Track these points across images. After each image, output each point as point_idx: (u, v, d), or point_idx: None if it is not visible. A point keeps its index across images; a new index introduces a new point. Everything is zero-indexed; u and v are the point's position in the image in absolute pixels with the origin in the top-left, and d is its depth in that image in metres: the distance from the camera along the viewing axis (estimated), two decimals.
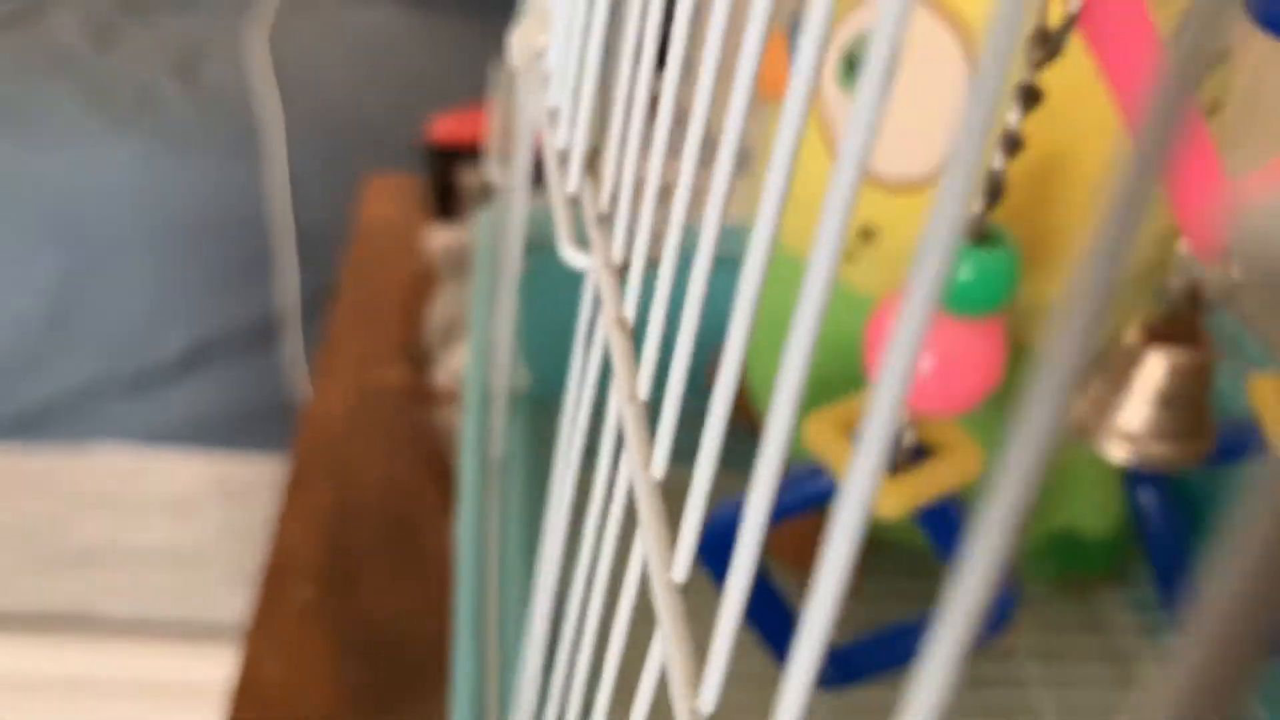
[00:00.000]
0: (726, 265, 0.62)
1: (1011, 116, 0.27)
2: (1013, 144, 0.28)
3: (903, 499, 0.32)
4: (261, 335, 1.29)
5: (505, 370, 0.48)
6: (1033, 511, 0.12)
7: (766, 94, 0.44)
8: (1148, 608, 0.50)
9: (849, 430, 0.33)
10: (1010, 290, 0.31)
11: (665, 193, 0.23)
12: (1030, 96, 0.26)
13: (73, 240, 1.26)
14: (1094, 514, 0.47)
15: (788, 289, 0.49)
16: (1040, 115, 0.37)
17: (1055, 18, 0.25)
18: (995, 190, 0.29)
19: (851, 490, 0.14)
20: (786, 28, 0.44)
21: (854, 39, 0.40)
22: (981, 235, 0.30)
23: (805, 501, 0.34)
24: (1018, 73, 0.27)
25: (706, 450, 0.19)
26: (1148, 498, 0.43)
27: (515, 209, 0.45)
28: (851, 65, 0.40)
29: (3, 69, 1.33)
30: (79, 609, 1.27)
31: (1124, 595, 0.53)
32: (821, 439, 0.33)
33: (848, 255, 0.42)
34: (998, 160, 0.29)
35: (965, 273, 0.30)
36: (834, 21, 0.42)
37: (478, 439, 0.47)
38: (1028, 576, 0.49)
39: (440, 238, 0.77)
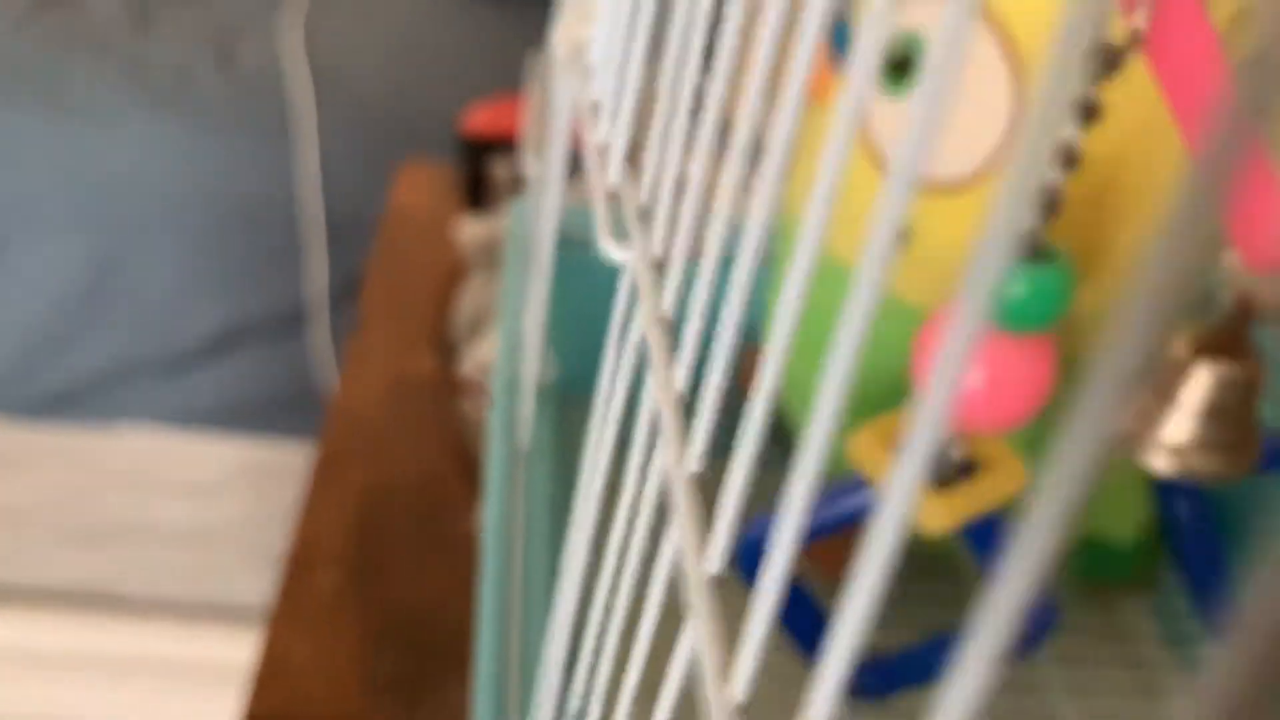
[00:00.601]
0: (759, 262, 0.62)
1: (1069, 131, 0.27)
2: (1070, 159, 0.28)
3: (949, 515, 0.32)
4: (290, 321, 1.30)
5: (535, 362, 0.48)
6: (1076, 527, 0.12)
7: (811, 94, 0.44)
8: (1173, 617, 0.50)
9: (895, 445, 0.33)
10: (1063, 307, 0.31)
11: (706, 190, 0.23)
12: (1090, 112, 0.26)
13: (107, 221, 1.27)
14: (1120, 521, 0.47)
15: (821, 292, 0.49)
16: (1095, 128, 0.37)
17: (1116, 32, 0.25)
18: (1052, 205, 0.29)
19: (890, 504, 0.14)
20: (832, 29, 0.44)
21: (895, 39, 0.40)
22: (1036, 251, 0.30)
23: (848, 517, 0.34)
24: (1075, 86, 0.27)
25: (744, 451, 0.19)
26: (1182, 507, 0.43)
27: (549, 201, 0.46)
28: (893, 67, 0.40)
29: (42, 48, 1.34)
30: (104, 586, 1.28)
31: (1149, 603, 0.53)
32: (868, 454, 0.33)
33: None
34: (1054, 175, 0.28)
35: (1018, 290, 0.30)
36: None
37: (505, 429, 0.47)
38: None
39: (471, 229, 0.77)
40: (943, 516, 0.32)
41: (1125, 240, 0.40)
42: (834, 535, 0.34)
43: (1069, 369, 0.40)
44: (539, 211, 0.49)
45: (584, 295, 0.47)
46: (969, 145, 0.38)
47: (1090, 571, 0.49)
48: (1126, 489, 0.46)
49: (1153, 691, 0.49)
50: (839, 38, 0.43)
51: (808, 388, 0.49)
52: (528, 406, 0.48)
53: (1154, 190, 0.38)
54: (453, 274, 0.78)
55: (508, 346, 0.50)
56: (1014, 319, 0.31)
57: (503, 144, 0.81)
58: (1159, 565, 0.50)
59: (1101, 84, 0.26)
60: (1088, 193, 0.39)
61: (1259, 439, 0.34)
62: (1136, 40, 0.24)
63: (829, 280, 0.44)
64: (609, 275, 0.28)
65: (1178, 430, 0.33)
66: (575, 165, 0.44)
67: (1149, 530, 0.48)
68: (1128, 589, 0.50)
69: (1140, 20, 0.23)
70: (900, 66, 0.40)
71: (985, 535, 0.34)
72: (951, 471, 0.33)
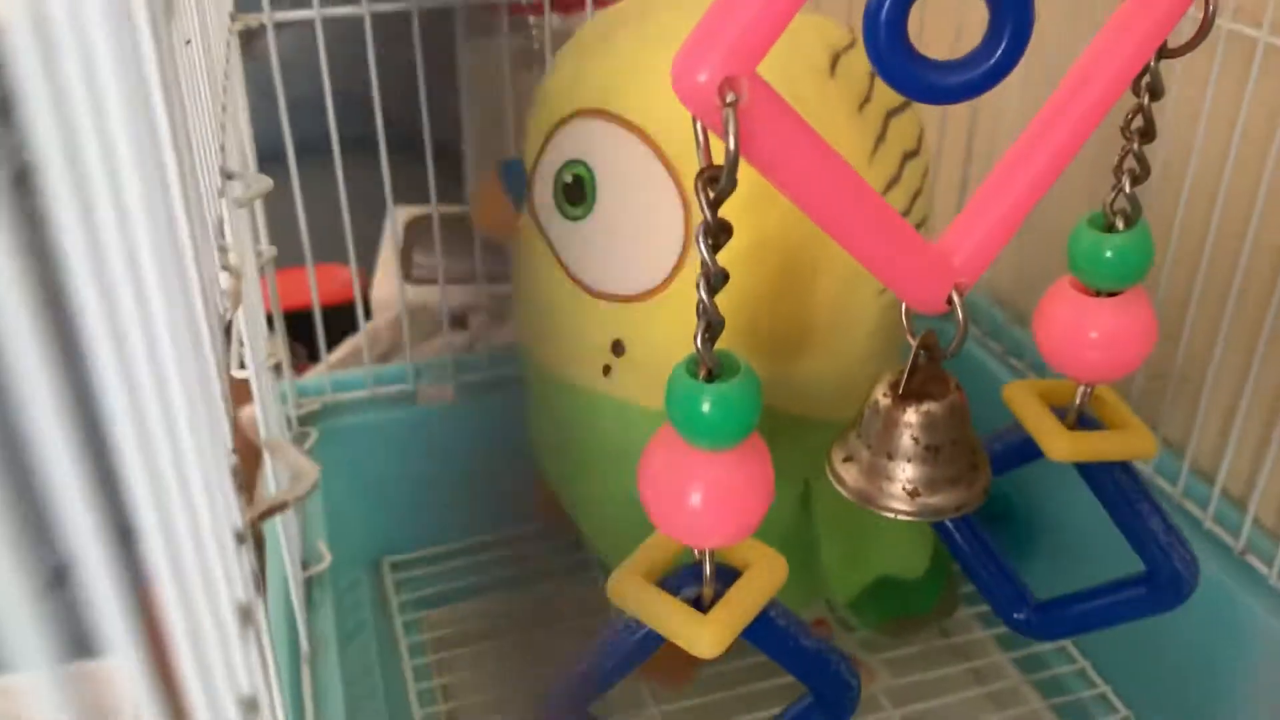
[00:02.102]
0: (512, 386, 0.63)
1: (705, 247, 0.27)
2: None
3: (721, 636, 0.32)
4: None
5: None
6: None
7: (489, 231, 0.46)
8: (995, 622, 0.52)
9: (656, 577, 0.34)
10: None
11: None
12: (719, 232, 0.27)
13: None
14: (910, 558, 0.49)
15: (553, 402, 0.50)
16: (786, 219, 0.39)
17: (718, 158, 0.26)
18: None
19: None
20: (499, 167, 0.46)
21: (562, 165, 0.42)
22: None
23: (631, 658, 0.35)
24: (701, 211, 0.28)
25: None
26: (951, 525, 0.45)
27: None
28: (564, 192, 0.42)
29: None
30: None
31: (974, 615, 0.55)
32: (631, 592, 0.33)
33: (605, 369, 0.44)
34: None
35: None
36: (538, 153, 0.44)
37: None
38: (858, 625, 0.50)
39: None
40: (715, 639, 0.33)
41: (820, 310, 0.42)
42: (663, 652, 0.34)
43: (794, 430, 0.42)
44: None
45: None
46: (660, 258, 0.41)
47: (894, 611, 0.50)
48: (909, 527, 0.48)
49: (999, 697, 0.51)
50: (508, 174, 0.45)
51: (578, 496, 0.50)
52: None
53: (832, 259, 0.41)
54: None
55: None
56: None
57: None
58: (957, 591, 0.52)
59: (721, 203, 0.26)
60: (777, 277, 0.41)
61: (985, 461, 0.36)
62: (734, 160, 0.25)
63: (566, 397, 0.46)
64: None
65: (905, 475, 0.35)
66: None
67: (939, 562, 0.50)
68: (931, 620, 0.52)
69: (732, 141, 0.25)
70: (574, 194, 0.42)
71: (762, 632, 0.35)
72: (710, 588, 0.33)
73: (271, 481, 0.34)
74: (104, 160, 0.13)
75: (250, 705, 0.17)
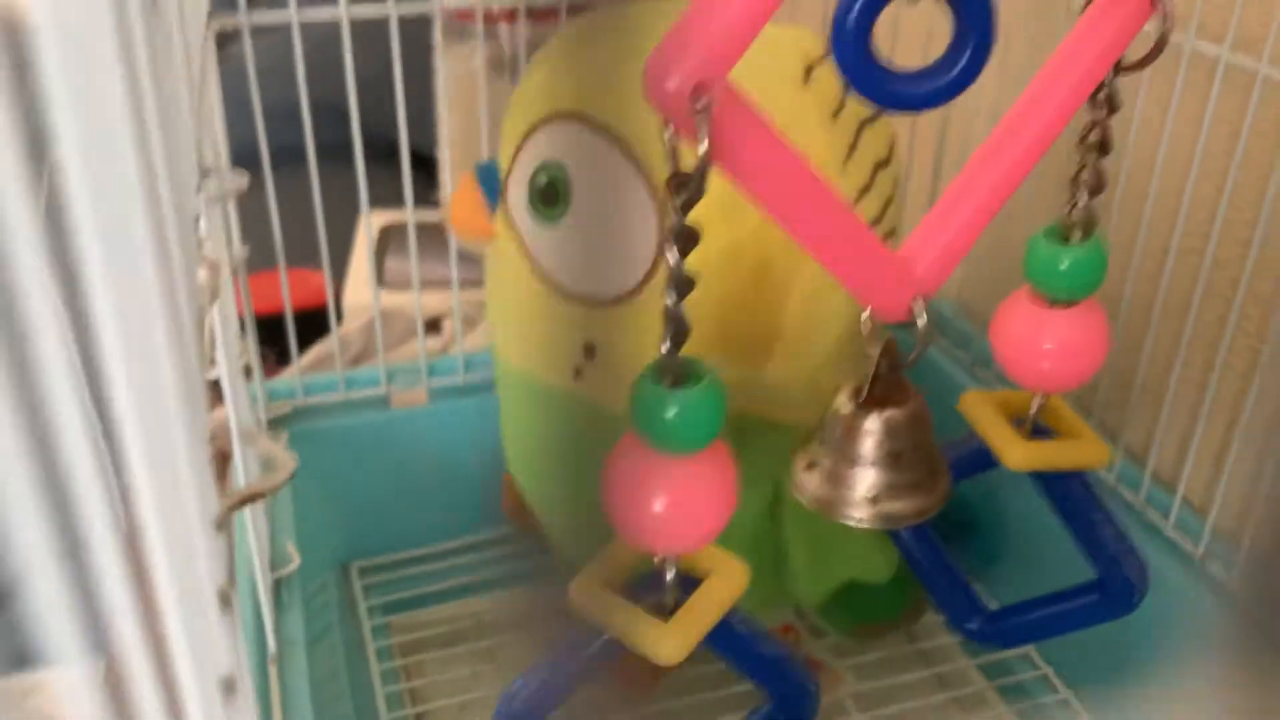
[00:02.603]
0: (484, 391, 0.64)
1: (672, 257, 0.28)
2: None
3: (683, 643, 0.33)
4: None
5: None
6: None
7: (464, 233, 0.47)
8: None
9: (618, 584, 0.34)
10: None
11: None
12: (687, 237, 0.27)
13: None
14: (876, 561, 0.49)
15: (524, 404, 0.50)
16: (761, 225, 0.40)
17: (687, 161, 0.27)
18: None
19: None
20: (475, 169, 0.46)
21: (537, 167, 0.42)
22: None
23: (591, 666, 0.35)
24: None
25: None
26: (907, 536, 0.45)
27: None
28: (538, 195, 0.43)
29: None
30: None
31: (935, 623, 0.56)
32: (590, 600, 0.33)
33: (577, 372, 0.44)
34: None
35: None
36: (513, 155, 0.44)
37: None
38: (827, 630, 0.51)
39: None
40: (677, 647, 0.33)
41: (791, 316, 0.43)
42: (625, 660, 0.35)
43: (762, 434, 0.42)
44: None
45: None
46: (632, 262, 0.41)
47: (862, 616, 0.51)
48: (871, 535, 0.48)
49: (965, 702, 0.52)
50: (484, 176, 0.46)
51: (546, 499, 0.51)
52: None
53: (803, 266, 0.42)
54: None
55: None
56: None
57: None
58: (921, 598, 0.52)
59: (690, 209, 0.27)
60: (750, 283, 0.42)
61: (944, 468, 0.37)
62: (705, 163, 0.26)
63: (537, 399, 0.46)
64: None
65: (865, 483, 0.35)
66: None
67: (906, 567, 0.50)
68: (898, 625, 0.53)
69: (703, 145, 0.26)
70: (549, 196, 0.43)
71: (723, 639, 0.35)
72: (672, 596, 0.34)
73: (242, 478, 0.34)
74: (98, 143, 0.14)
75: (229, 685, 0.17)
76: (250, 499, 0.22)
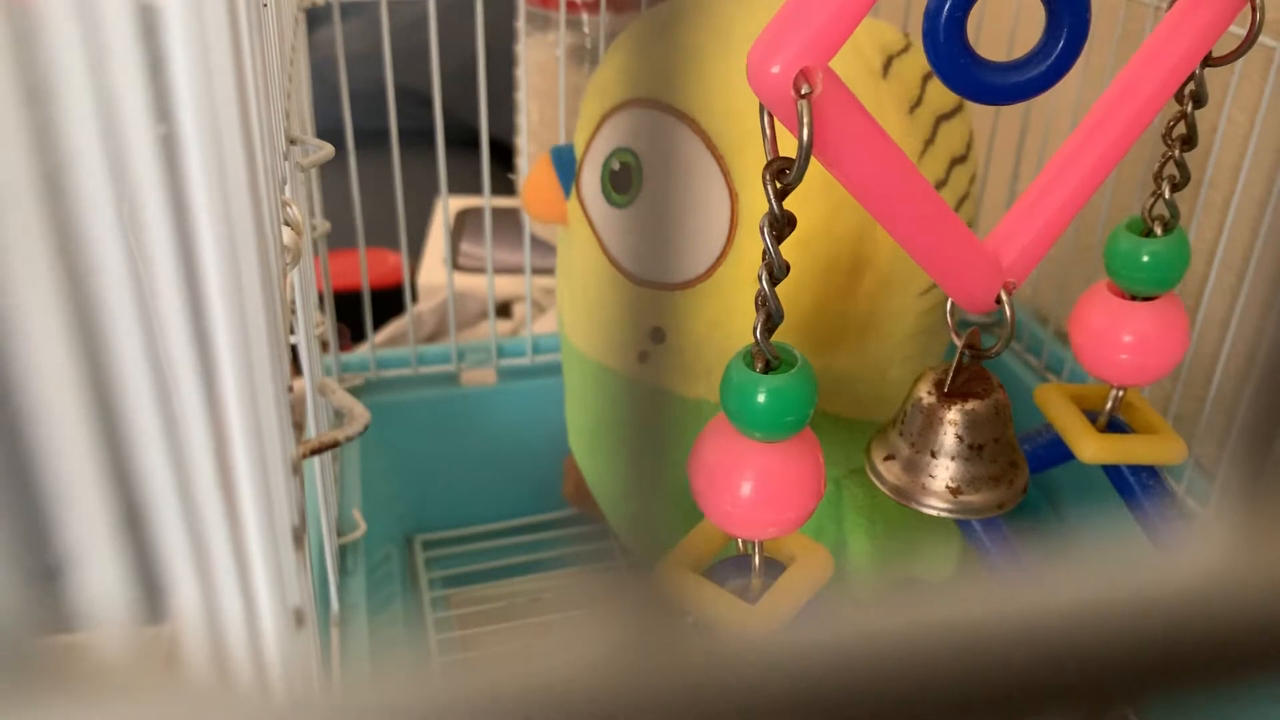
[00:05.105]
0: (551, 373, 0.64)
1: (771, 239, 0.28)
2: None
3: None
4: None
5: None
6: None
7: (538, 214, 0.47)
8: None
9: (700, 568, 0.34)
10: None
11: None
12: (784, 223, 0.28)
13: None
14: (936, 561, 0.49)
15: (589, 387, 0.51)
16: (831, 214, 0.40)
17: (789, 149, 0.27)
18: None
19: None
20: (551, 152, 0.47)
21: (611, 152, 0.43)
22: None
23: None
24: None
25: None
26: (980, 528, 0.45)
27: None
28: (611, 179, 0.43)
29: None
30: None
31: None
32: (677, 583, 0.33)
33: (642, 355, 0.44)
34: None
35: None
36: (589, 140, 0.45)
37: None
38: None
39: None
40: (764, 630, 0.33)
41: (858, 309, 0.43)
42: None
43: (824, 427, 0.42)
44: None
45: None
46: (704, 247, 0.41)
47: None
48: (936, 529, 0.48)
49: None
50: (559, 160, 0.46)
51: (606, 483, 0.51)
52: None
53: (874, 257, 0.42)
54: None
55: None
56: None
57: None
58: None
59: (788, 194, 0.27)
60: (818, 273, 0.42)
61: (1023, 461, 0.37)
62: (807, 151, 0.26)
63: (602, 382, 0.47)
64: None
65: (944, 473, 0.35)
66: None
67: (964, 564, 0.50)
68: None
69: (805, 132, 0.26)
70: (622, 181, 0.43)
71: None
72: (759, 580, 0.34)
73: (313, 430, 0.35)
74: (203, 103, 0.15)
75: (300, 616, 0.18)
76: (325, 447, 0.23)
